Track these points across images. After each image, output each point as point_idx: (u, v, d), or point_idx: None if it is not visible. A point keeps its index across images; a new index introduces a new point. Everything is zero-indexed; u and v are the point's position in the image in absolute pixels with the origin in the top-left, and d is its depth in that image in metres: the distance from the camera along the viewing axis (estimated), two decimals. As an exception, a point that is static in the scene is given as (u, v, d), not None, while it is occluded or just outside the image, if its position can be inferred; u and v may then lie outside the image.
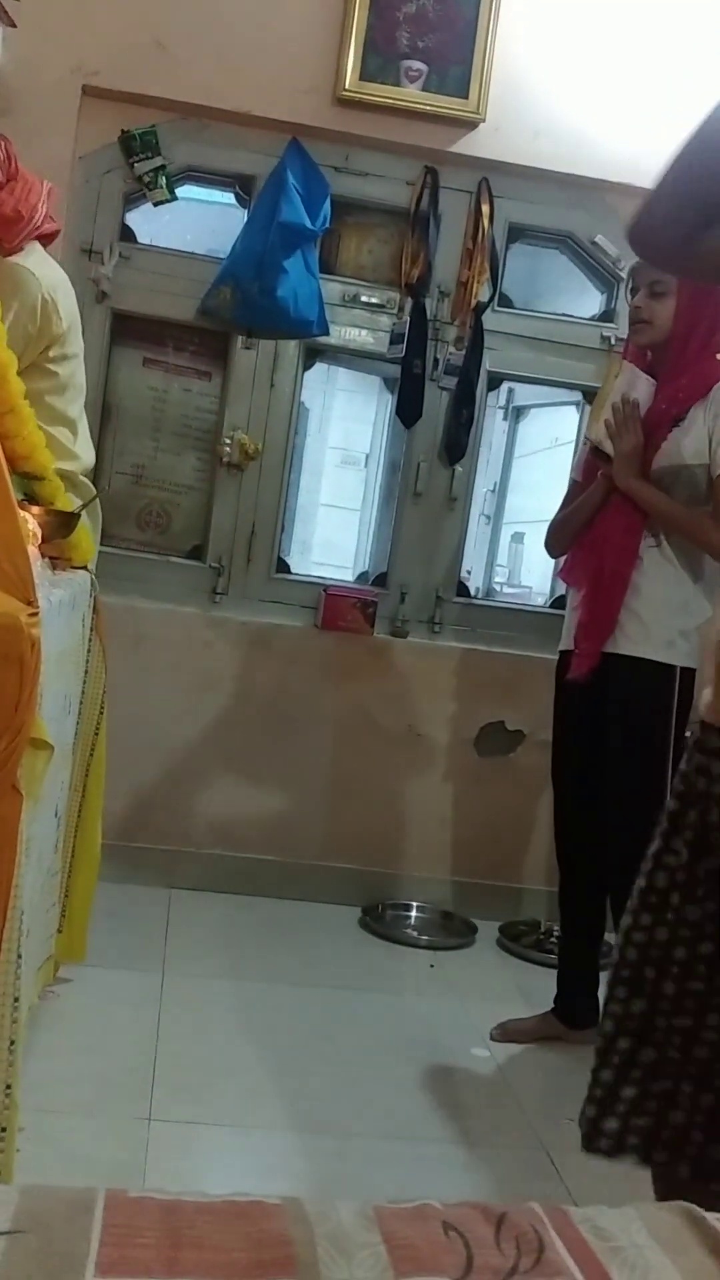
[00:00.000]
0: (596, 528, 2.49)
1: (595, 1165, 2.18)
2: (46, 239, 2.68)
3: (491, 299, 3.35)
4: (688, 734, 2.56)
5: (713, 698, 1.33)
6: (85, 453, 2.71)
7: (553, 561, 3.26)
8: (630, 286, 2.48)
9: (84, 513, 2.68)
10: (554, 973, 2.72)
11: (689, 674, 2.42)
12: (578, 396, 3.49)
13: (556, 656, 2.61)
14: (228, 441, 3.32)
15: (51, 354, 2.61)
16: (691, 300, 2.37)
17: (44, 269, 2.59)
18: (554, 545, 2.64)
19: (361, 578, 3.58)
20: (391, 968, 3.02)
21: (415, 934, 3.26)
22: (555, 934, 2.99)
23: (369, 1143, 2.14)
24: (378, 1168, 2.04)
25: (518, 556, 3.87)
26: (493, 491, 3.78)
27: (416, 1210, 1.05)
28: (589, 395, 3.24)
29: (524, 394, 3.74)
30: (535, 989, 2.83)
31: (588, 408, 2.91)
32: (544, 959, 3.08)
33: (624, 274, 3.35)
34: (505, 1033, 2.64)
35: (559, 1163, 2.14)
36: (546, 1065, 2.56)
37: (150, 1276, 0.84)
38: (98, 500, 2.72)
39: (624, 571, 2.41)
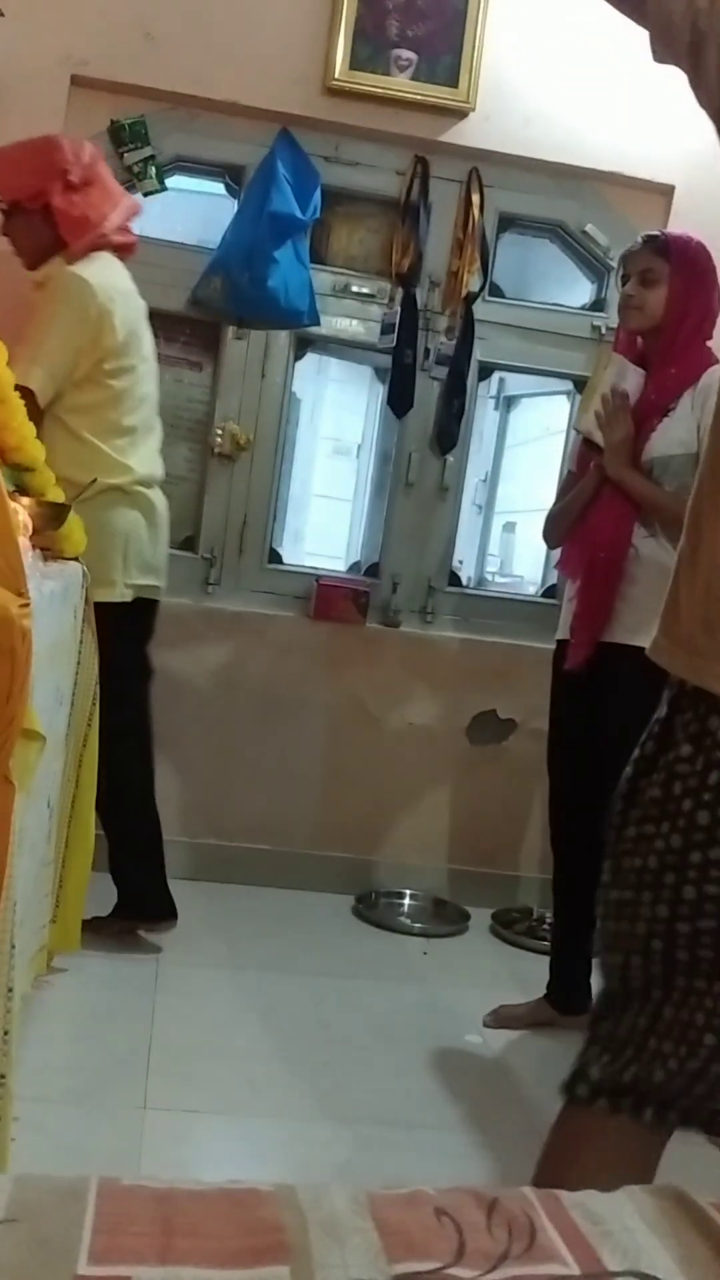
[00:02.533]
0: (590, 518, 2.49)
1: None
2: (124, 251, 2.67)
3: (482, 289, 3.35)
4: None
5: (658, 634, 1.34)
6: (142, 464, 2.69)
7: (544, 551, 3.27)
8: (620, 274, 2.48)
9: (152, 516, 2.68)
10: (547, 959, 2.73)
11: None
12: (569, 386, 3.50)
13: (549, 645, 2.62)
14: (219, 432, 3.32)
15: (107, 367, 2.60)
16: (683, 289, 2.38)
17: (103, 278, 2.59)
18: (551, 536, 2.65)
19: (354, 568, 3.58)
20: (385, 955, 3.04)
21: (409, 922, 3.27)
22: (548, 921, 3.00)
23: (363, 1129, 2.15)
24: (372, 1154, 2.05)
25: (509, 546, 3.88)
26: (484, 481, 3.78)
27: (409, 1196, 1.06)
28: (580, 384, 3.24)
29: (515, 384, 3.74)
30: (528, 975, 2.84)
31: (579, 397, 2.91)
32: (537, 946, 3.09)
33: (613, 263, 3.35)
34: (498, 1019, 2.66)
35: (551, 1149, 2.15)
36: (540, 1051, 2.58)
37: (143, 1264, 0.85)
38: (157, 509, 2.72)
39: (618, 561, 2.42)
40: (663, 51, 1.20)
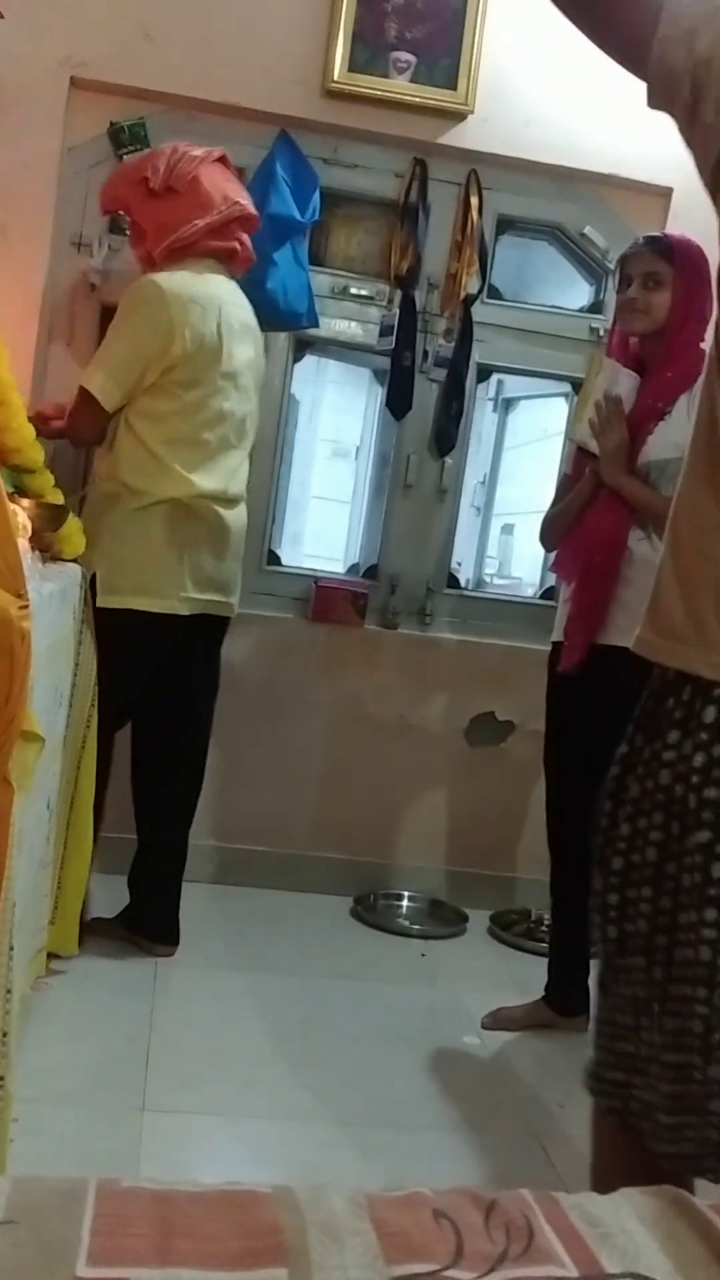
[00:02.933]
0: (586, 522, 2.49)
1: (586, 1152, 2.20)
2: (229, 261, 2.67)
3: (480, 291, 3.35)
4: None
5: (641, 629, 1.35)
6: (210, 480, 2.63)
7: (542, 553, 3.27)
8: (620, 276, 2.46)
9: (219, 532, 2.67)
10: (545, 961, 2.74)
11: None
12: (567, 388, 3.50)
13: (547, 647, 2.62)
14: (218, 433, 3.31)
15: (176, 377, 2.57)
16: (686, 292, 2.37)
17: (182, 286, 2.56)
18: (547, 540, 2.65)
19: (352, 569, 3.58)
20: (383, 957, 3.04)
21: (407, 923, 3.27)
22: (546, 922, 3.00)
23: (362, 1131, 2.15)
24: (370, 1156, 2.06)
25: (508, 548, 3.88)
26: (482, 483, 3.78)
27: (407, 1198, 1.06)
28: (578, 387, 3.24)
29: (513, 386, 3.74)
30: (526, 977, 2.85)
31: (576, 400, 2.90)
32: (535, 947, 3.09)
33: (611, 265, 3.35)
34: (497, 1021, 2.66)
35: (550, 1150, 2.16)
36: (538, 1053, 2.58)
37: (142, 1266, 0.85)
38: (229, 526, 2.71)
39: (613, 565, 2.42)
40: (661, 101, 1.21)
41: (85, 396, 2.56)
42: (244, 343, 2.68)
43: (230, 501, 2.71)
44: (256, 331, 2.76)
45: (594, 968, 2.74)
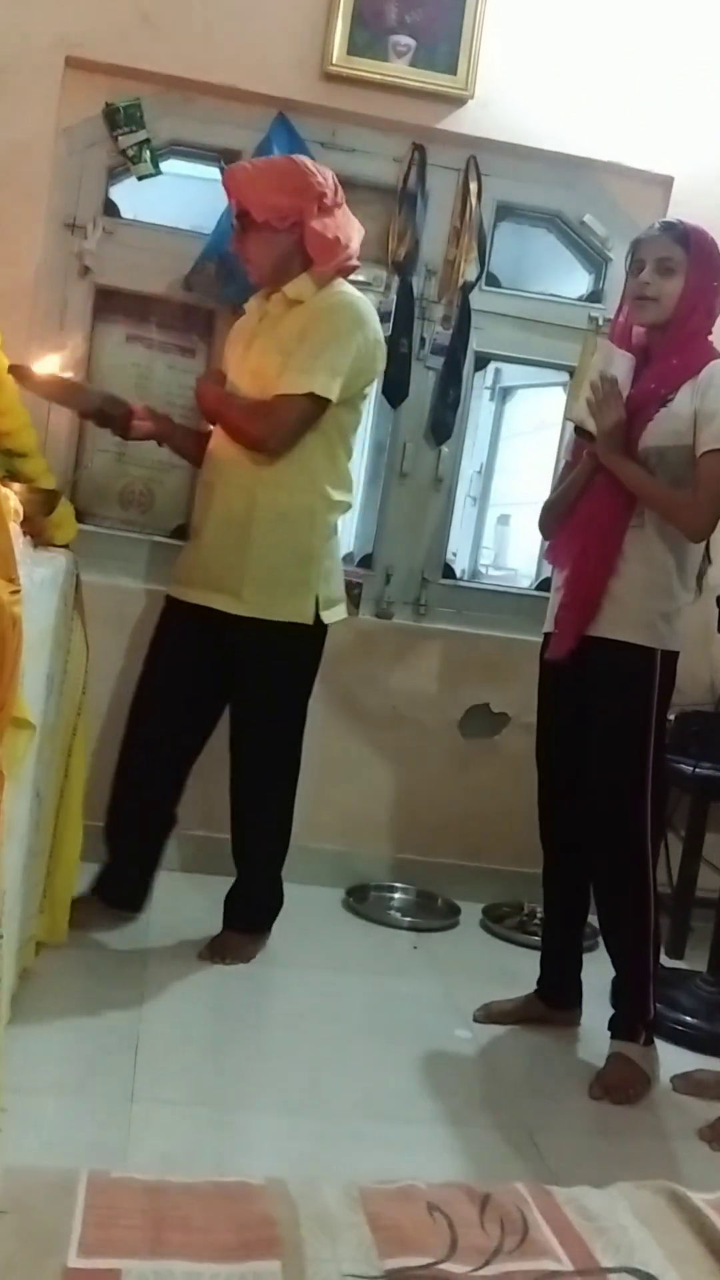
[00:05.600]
0: (582, 509, 2.47)
1: (578, 1145, 2.20)
2: (347, 274, 2.70)
3: (479, 278, 3.33)
4: (670, 717, 2.57)
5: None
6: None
7: (539, 543, 3.26)
8: (632, 259, 2.43)
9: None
10: (537, 954, 2.72)
11: (670, 657, 2.42)
12: (565, 377, 3.47)
13: (541, 639, 2.60)
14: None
15: (367, 391, 2.69)
16: (699, 280, 2.35)
17: (373, 310, 2.67)
18: (545, 527, 2.62)
19: (347, 558, 3.54)
20: (375, 949, 3.03)
21: (399, 915, 3.26)
22: (538, 916, 2.99)
23: (353, 1123, 2.14)
24: (362, 1148, 2.04)
25: (503, 538, 3.86)
26: (479, 473, 3.77)
27: (401, 1191, 1.05)
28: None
29: (511, 374, 3.72)
30: (518, 970, 2.83)
31: (571, 381, 2.88)
32: (527, 941, 3.09)
33: (611, 254, 3.33)
34: (488, 1014, 2.65)
35: (541, 1143, 2.15)
36: (529, 1046, 2.57)
37: (134, 1257, 0.84)
38: None
39: (607, 554, 2.40)
40: None
41: (292, 400, 2.52)
42: None
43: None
44: None
45: (586, 961, 2.74)
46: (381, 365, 2.70)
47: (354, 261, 2.67)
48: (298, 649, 2.66)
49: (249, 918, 2.83)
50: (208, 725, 2.81)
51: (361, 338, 2.57)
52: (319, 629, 2.66)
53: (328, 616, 2.66)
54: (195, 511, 2.78)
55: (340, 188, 2.65)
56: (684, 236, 2.36)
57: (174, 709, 2.74)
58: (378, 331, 2.64)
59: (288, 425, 2.53)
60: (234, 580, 2.57)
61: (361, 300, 2.63)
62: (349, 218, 2.66)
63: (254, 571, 2.57)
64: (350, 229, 2.64)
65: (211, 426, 2.73)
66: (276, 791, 2.79)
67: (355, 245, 2.65)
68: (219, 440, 2.66)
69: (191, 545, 2.75)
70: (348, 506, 2.76)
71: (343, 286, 2.64)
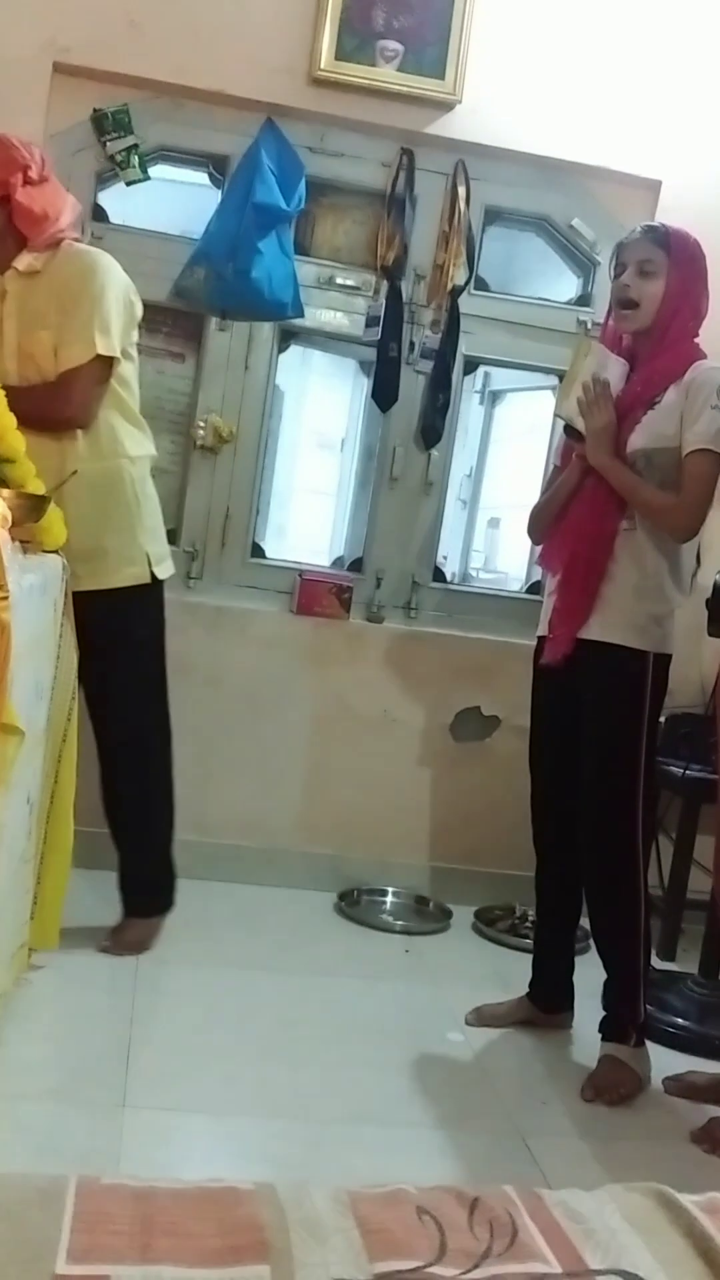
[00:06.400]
0: (572, 513, 2.48)
1: (569, 1148, 2.20)
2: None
3: (468, 282, 3.33)
4: (661, 720, 2.57)
5: None
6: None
7: (529, 546, 3.26)
8: (615, 264, 2.45)
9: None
10: (529, 957, 2.73)
11: (662, 659, 2.43)
12: (554, 381, 3.47)
13: (533, 642, 2.60)
14: (201, 424, 3.30)
15: (134, 339, 2.68)
16: (680, 284, 2.36)
17: None
18: (535, 531, 2.63)
19: (337, 563, 3.56)
20: (367, 953, 3.02)
21: (391, 919, 3.26)
22: (530, 919, 2.99)
23: (345, 1127, 2.14)
24: (354, 1152, 2.04)
25: (494, 542, 3.86)
26: (469, 476, 3.77)
27: (390, 1194, 1.05)
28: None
29: (500, 378, 3.72)
30: (510, 974, 2.84)
31: (562, 382, 2.87)
32: (519, 944, 3.09)
33: (600, 258, 3.34)
34: (480, 1017, 2.65)
35: (534, 1147, 2.15)
36: (521, 1049, 2.57)
37: (122, 1263, 0.84)
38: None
39: (598, 557, 2.41)
40: None
41: (81, 371, 2.52)
42: None
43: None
44: None
45: (578, 964, 2.75)
46: (139, 307, 2.66)
47: (68, 234, 2.60)
48: (144, 608, 2.70)
49: (150, 900, 2.80)
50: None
51: (116, 289, 2.56)
52: (156, 585, 2.70)
53: (161, 571, 2.70)
54: None
55: (47, 160, 2.58)
56: (664, 239, 2.38)
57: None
58: (125, 276, 2.61)
59: (89, 395, 2.56)
60: (69, 560, 2.55)
61: (99, 253, 2.61)
62: (59, 191, 2.60)
63: (81, 546, 2.55)
64: (60, 202, 2.58)
65: None
66: (152, 759, 2.78)
67: (67, 219, 2.59)
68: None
69: None
70: (152, 459, 2.74)
71: (75, 247, 2.60)
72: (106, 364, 2.56)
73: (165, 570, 2.72)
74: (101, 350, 2.52)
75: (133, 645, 2.70)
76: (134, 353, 2.68)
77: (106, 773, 2.73)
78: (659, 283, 2.36)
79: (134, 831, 2.77)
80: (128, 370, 2.65)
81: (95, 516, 2.57)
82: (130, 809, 2.76)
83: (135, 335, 2.67)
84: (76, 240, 2.66)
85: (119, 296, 2.57)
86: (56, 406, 2.55)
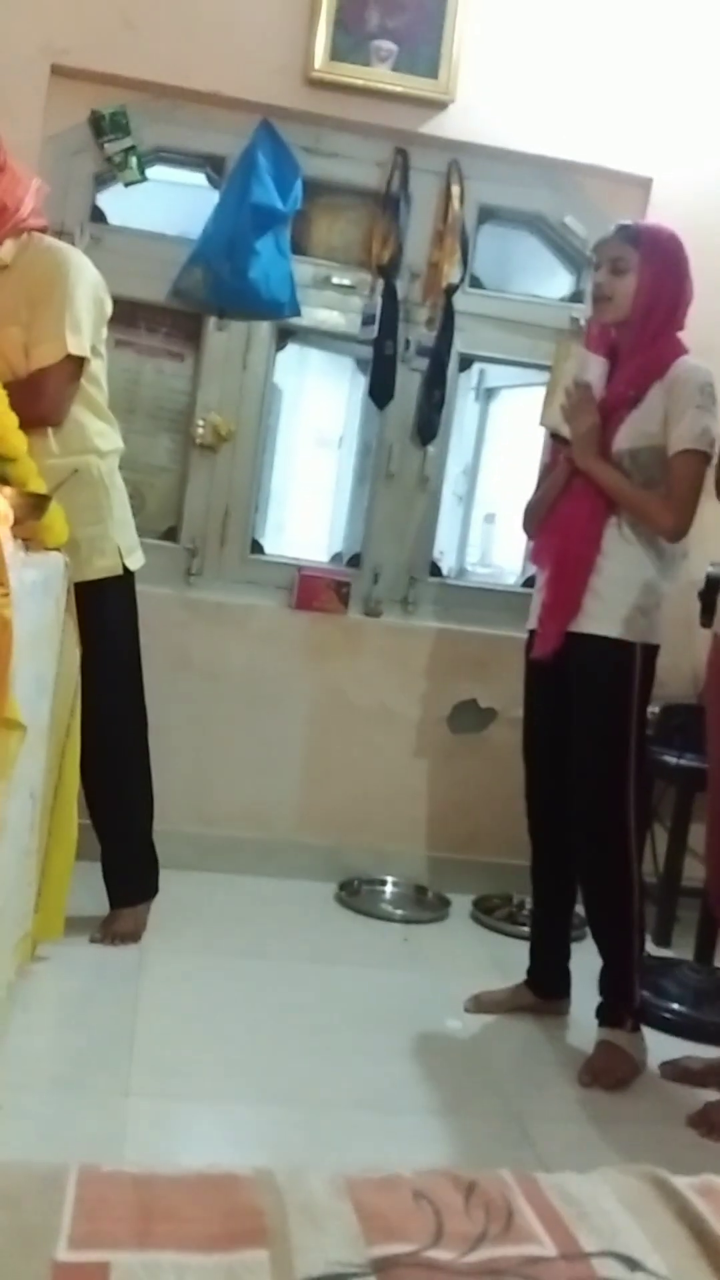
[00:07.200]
0: (560, 510, 2.51)
1: (567, 1133, 2.23)
2: (40, 234, 2.64)
3: (462, 280, 3.35)
4: (654, 710, 2.60)
5: None
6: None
7: (524, 541, 3.29)
8: (594, 263, 2.49)
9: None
10: (526, 945, 2.76)
11: (650, 650, 2.46)
12: (548, 378, 3.49)
13: (526, 635, 2.63)
14: (201, 423, 3.32)
15: (104, 334, 2.67)
16: (653, 279, 2.39)
17: None
18: (528, 527, 2.67)
19: (335, 558, 3.59)
20: (367, 942, 3.06)
21: (390, 908, 3.29)
22: (527, 907, 3.02)
23: (345, 1114, 2.17)
24: (354, 1139, 2.07)
25: (489, 537, 3.89)
26: (464, 472, 3.79)
27: (387, 1179, 1.07)
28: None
29: (495, 375, 3.74)
30: (508, 961, 2.87)
31: (546, 387, 2.88)
32: (516, 931, 3.12)
33: (592, 255, 3.36)
34: (479, 1004, 2.68)
35: (532, 1131, 2.18)
36: (519, 1035, 2.60)
37: (122, 1249, 0.86)
38: None
39: (587, 553, 2.44)
40: None
41: (53, 370, 2.52)
42: None
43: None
44: None
45: (574, 950, 2.78)
46: (109, 304, 2.66)
47: (31, 223, 2.57)
48: (117, 599, 2.72)
49: (133, 889, 2.83)
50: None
51: (86, 285, 2.56)
52: (128, 576, 2.73)
53: (132, 562, 2.73)
54: None
55: (4, 146, 2.53)
56: (635, 237, 2.41)
57: None
58: (95, 272, 2.61)
59: (61, 394, 2.57)
60: None
61: (69, 249, 2.61)
62: (17, 179, 2.55)
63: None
64: (20, 191, 2.55)
65: None
66: (128, 748, 2.80)
67: (28, 207, 2.55)
68: None
69: None
70: (120, 453, 2.76)
71: (44, 241, 2.58)
72: (78, 363, 2.56)
73: (136, 561, 2.75)
74: (73, 350, 2.51)
75: (107, 636, 2.69)
76: (104, 349, 2.68)
77: (84, 762, 2.75)
78: (630, 279, 2.40)
79: (112, 819, 2.79)
80: (97, 367, 2.66)
81: (66, 511, 2.54)
82: (108, 797, 2.78)
83: (105, 333, 2.67)
84: (42, 230, 2.62)
85: (89, 294, 2.56)
86: (28, 405, 2.53)
